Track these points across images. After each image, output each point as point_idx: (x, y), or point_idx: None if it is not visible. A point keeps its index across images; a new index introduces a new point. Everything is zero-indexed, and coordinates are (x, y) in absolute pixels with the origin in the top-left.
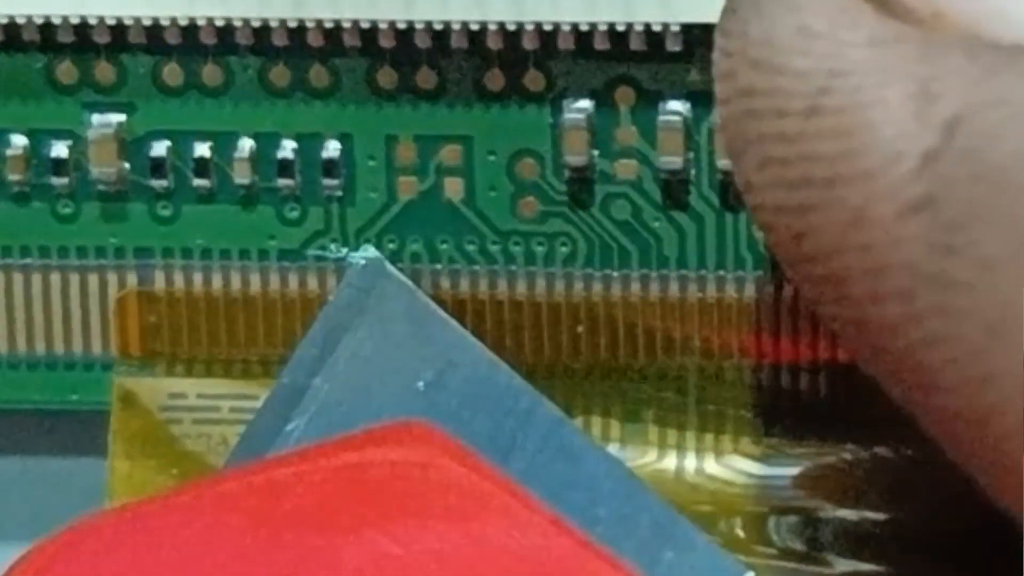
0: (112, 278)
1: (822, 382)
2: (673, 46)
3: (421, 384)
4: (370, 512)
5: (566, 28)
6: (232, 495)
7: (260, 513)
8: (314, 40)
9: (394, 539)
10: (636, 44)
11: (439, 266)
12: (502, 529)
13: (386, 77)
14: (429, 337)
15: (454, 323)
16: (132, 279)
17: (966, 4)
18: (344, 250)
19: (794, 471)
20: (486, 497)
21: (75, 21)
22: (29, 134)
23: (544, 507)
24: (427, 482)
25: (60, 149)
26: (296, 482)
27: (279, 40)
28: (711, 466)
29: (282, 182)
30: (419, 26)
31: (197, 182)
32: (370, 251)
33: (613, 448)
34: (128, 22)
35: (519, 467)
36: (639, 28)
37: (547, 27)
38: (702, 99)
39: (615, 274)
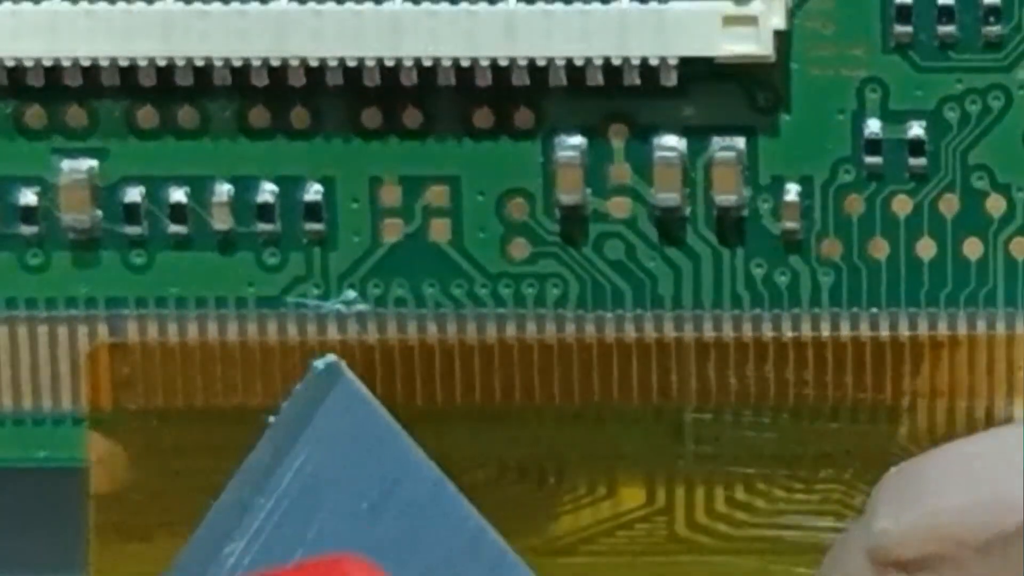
0: (83, 329)
1: (825, 424)
2: (668, 80)
3: (365, 505)
4: None
5: (559, 63)
6: None
7: None
8: (295, 79)
9: None
10: (630, 79)
11: (425, 311)
12: None
13: (370, 116)
14: (377, 451)
15: (405, 437)
16: (104, 330)
17: None
18: (327, 301)
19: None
20: None
21: (47, 63)
22: None
23: None
24: None
25: (28, 196)
26: None
27: (258, 79)
28: (702, 517)
29: (261, 227)
30: (407, 63)
31: (173, 228)
32: (351, 296)
33: (602, 492)
34: (103, 63)
35: None
36: (634, 62)
37: (540, 62)
38: (698, 134)
39: (609, 315)
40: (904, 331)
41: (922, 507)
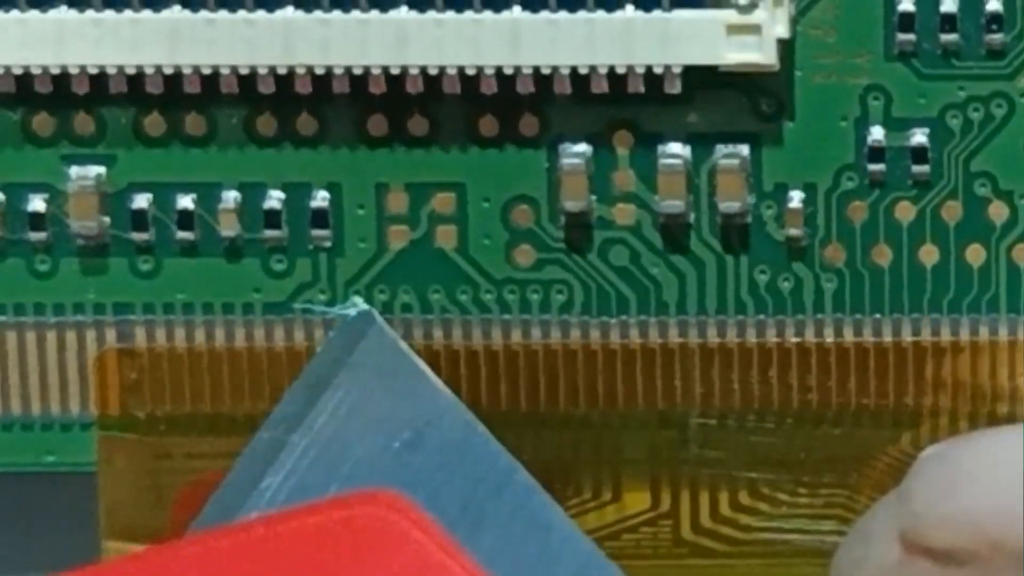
0: (91, 335)
1: (829, 430)
2: (672, 88)
3: (397, 444)
4: None
5: (564, 71)
6: (195, 559)
7: None
8: (301, 87)
9: None
10: (634, 86)
11: (431, 316)
12: None
13: (376, 124)
14: (410, 394)
15: (437, 380)
16: (112, 336)
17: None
18: (332, 307)
19: (793, 524)
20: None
21: (55, 71)
22: (5, 188)
23: None
24: (386, 553)
25: (37, 203)
26: (256, 549)
27: (265, 87)
28: (707, 520)
29: (269, 233)
30: (412, 71)
31: (180, 235)
32: (357, 302)
33: (607, 496)
34: (110, 71)
35: (488, 538)
36: (639, 70)
37: (545, 71)
38: (702, 141)
39: (613, 321)
40: (907, 337)
41: (959, 499)
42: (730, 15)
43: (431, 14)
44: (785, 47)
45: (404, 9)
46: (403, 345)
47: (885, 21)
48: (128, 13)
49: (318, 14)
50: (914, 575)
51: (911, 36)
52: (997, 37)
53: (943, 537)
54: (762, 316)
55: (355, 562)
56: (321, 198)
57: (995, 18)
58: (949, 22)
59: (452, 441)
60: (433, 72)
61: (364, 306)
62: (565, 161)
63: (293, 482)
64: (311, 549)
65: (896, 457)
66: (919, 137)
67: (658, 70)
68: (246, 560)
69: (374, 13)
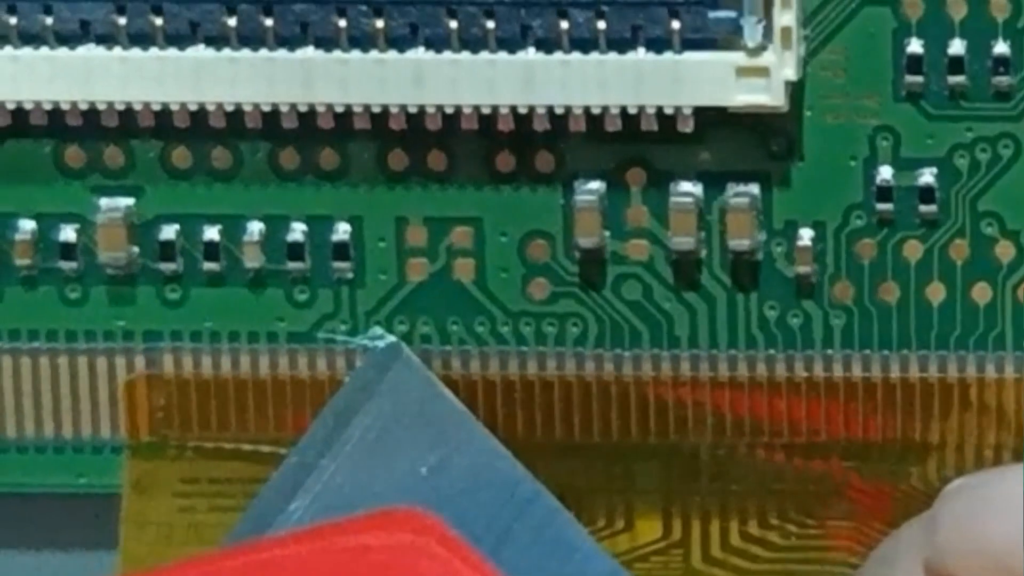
0: (120, 361)
1: (837, 463)
2: (684, 127)
3: (424, 469)
4: None
5: (577, 111)
6: (227, 574)
7: None
8: (324, 123)
9: None
10: (647, 125)
11: (449, 347)
12: None
13: (396, 159)
14: (437, 422)
15: (463, 408)
16: (141, 362)
17: None
18: (354, 337)
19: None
20: None
21: (83, 107)
22: (37, 218)
23: None
24: (416, 572)
25: (68, 233)
26: (292, 564)
27: (288, 123)
28: (716, 551)
29: (292, 265)
30: (430, 109)
31: (206, 265)
32: (378, 332)
33: (620, 525)
34: (137, 107)
35: (512, 557)
36: (650, 110)
37: (558, 110)
38: (713, 180)
39: (626, 354)
40: (915, 373)
41: (984, 531)
42: (739, 57)
43: (447, 54)
44: (795, 88)
45: (421, 49)
46: (430, 374)
47: (894, 63)
48: (154, 51)
49: (338, 53)
50: None
51: (919, 78)
52: (1004, 79)
53: (968, 568)
54: (772, 351)
55: None
56: (343, 231)
57: (1002, 60)
58: (957, 64)
59: (477, 466)
60: (450, 111)
61: (391, 337)
62: (580, 198)
63: (321, 504)
64: (340, 567)
65: (904, 491)
66: (927, 177)
67: (669, 111)
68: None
69: (392, 52)
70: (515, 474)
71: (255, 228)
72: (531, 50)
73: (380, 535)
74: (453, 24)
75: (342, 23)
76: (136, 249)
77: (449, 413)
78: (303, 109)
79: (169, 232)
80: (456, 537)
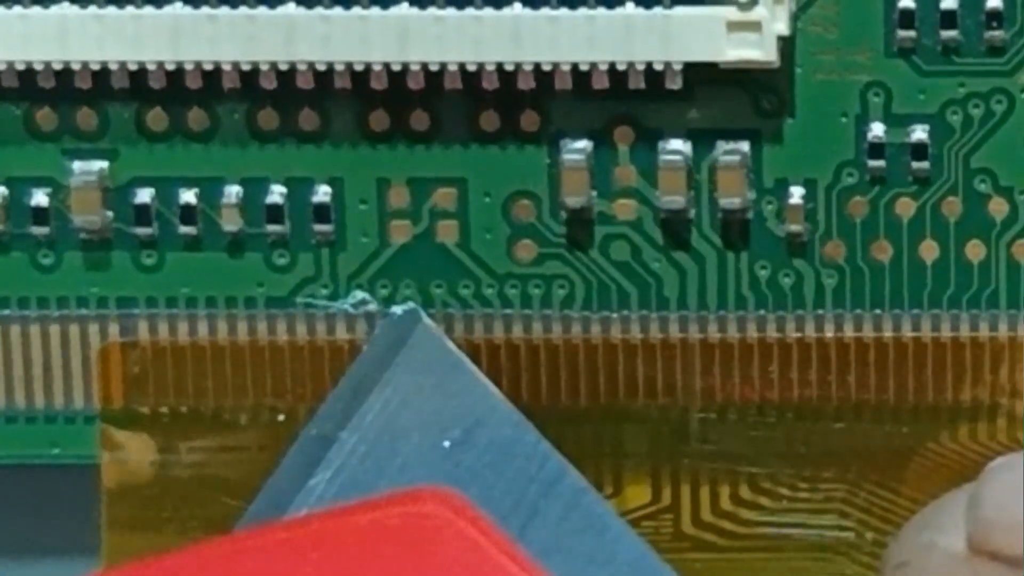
0: (94, 328)
1: (828, 424)
2: (672, 84)
3: (447, 443)
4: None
5: (565, 68)
6: (248, 553)
7: (276, 573)
8: (304, 83)
9: None
10: (635, 83)
11: (433, 311)
12: None
13: (378, 119)
14: (459, 393)
15: (485, 379)
16: (115, 329)
17: None
18: (334, 302)
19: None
20: (498, 570)
21: (57, 67)
22: (8, 183)
23: None
24: (441, 550)
25: (40, 197)
26: (314, 544)
27: (267, 83)
28: (707, 515)
29: (271, 228)
30: (413, 67)
31: (183, 229)
32: (359, 296)
33: (609, 490)
34: (113, 67)
35: (540, 536)
36: (639, 67)
37: (545, 67)
38: (703, 137)
39: (614, 316)
40: (907, 333)
41: None
42: (730, 12)
43: (432, 11)
44: (785, 44)
45: (405, 6)
46: (450, 344)
47: (885, 18)
48: (130, 9)
49: (319, 10)
50: (979, 572)
51: (911, 33)
52: (997, 34)
53: (1009, 543)
54: (763, 312)
55: (410, 560)
56: (323, 193)
57: (995, 15)
58: (949, 18)
59: (502, 440)
60: (434, 68)
61: (410, 304)
62: (566, 157)
63: (342, 479)
64: (366, 546)
65: (897, 451)
66: (919, 133)
67: (658, 67)
68: (300, 555)
69: (375, 10)
70: (541, 449)
71: (233, 191)
72: (518, 6)
73: (404, 515)
74: None
75: None
76: (110, 213)
77: (471, 384)
78: (283, 68)
79: (144, 196)
80: (482, 517)
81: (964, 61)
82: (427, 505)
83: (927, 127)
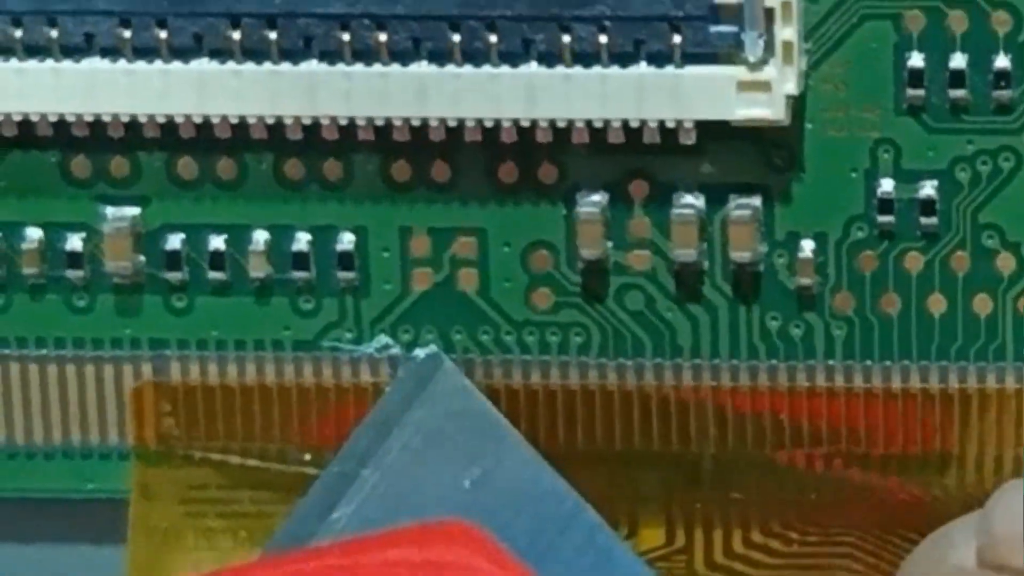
0: (127, 369)
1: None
2: (686, 140)
3: (467, 482)
4: None
5: (579, 124)
6: None
7: None
8: (328, 134)
9: None
10: (649, 138)
11: (453, 356)
12: None
13: (400, 170)
14: (478, 434)
15: (504, 421)
16: (148, 370)
17: None
18: (359, 346)
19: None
20: None
21: (89, 119)
22: (44, 227)
23: None
24: None
25: (75, 242)
26: (335, 574)
27: (293, 134)
28: (720, 557)
29: (297, 274)
30: (433, 122)
31: (212, 275)
32: (383, 341)
33: (622, 533)
34: (142, 119)
35: (557, 572)
36: (652, 124)
37: (560, 123)
38: (716, 191)
39: (629, 363)
40: (916, 383)
41: None
42: (740, 72)
43: (450, 68)
44: (796, 102)
45: (424, 63)
46: (470, 385)
47: (895, 76)
48: (159, 64)
49: (341, 66)
50: None
51: (920, 91)
52: (1005, 93)
53: (1017, 558)
54: (774, 361)
55: None
56: (347, 241)
57: (1003, 74)
58: (958, 78)
59: (520, 480)
60: (453, 123)
61: (432, 347)
62: (582, 209)
63: (364, 515)
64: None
65: (904, 500)
66: (928, 189)
67: (671, 124)
68: None
69: (395, 66)
70: (558, 488)
71: (260, 238)
72: (533, 64)
73: (426, 547)
74: (456, 38)
75: (346, 37)
76: (142, 258)
77: (491, 425)
78: (307, 121)
79: (175, 241)
80: (502, 550)
81: (972, 119)
82: (449, 538)
83: (936, 183)
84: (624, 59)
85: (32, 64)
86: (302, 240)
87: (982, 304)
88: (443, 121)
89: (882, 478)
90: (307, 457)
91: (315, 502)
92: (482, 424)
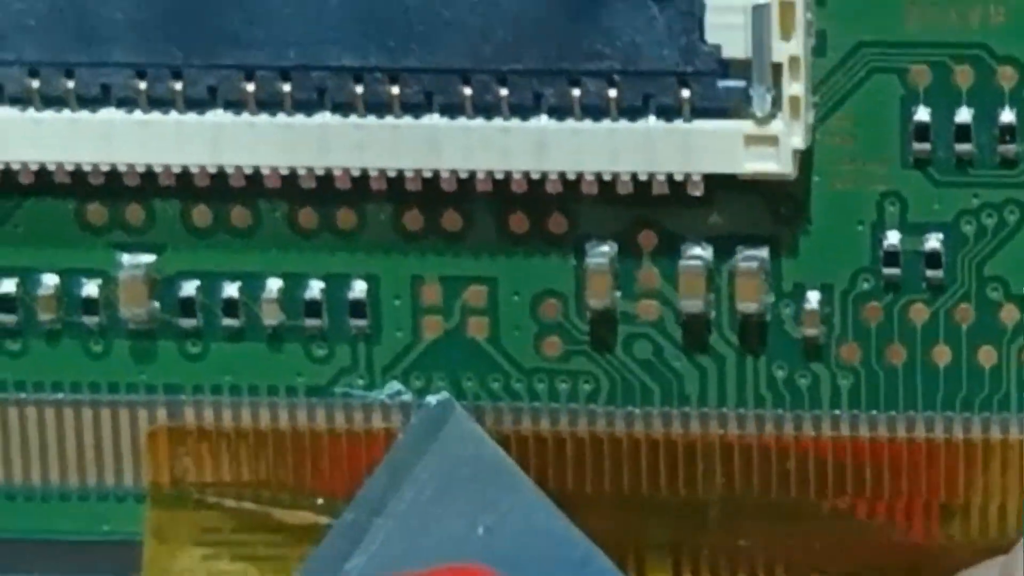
0: (142, 413)
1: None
2: (695, 191)
3: (481, 529)
4: None
5: (589, 176)
6: None
7: None
8: (341, 184)
9: None
10: (658, 189)
11: (464, 403)
12: None
13: (412, 219)
14: (491, 481)
15: (516, 468)
16: (162, 414)
17: None
18: (371, 392)
19: None
20: None
21: (105, 168)
22: (61, 274)
23: None
24: None
25: (91, 289)
26: None
27: (306, 184)
28: None
29: (309, 322)
30: (444, 173)
31: (226, 321)
32: (395, 387)
33: None
34: (158, 168)
35: None
36: (661, 177)
37: (570, 176)
38: (723, 243)
39: (637, 411)
40: (920, 434)
41: None
42: (748, 126)
43: (462, 120)
44: (803, 155)
45: (436, 115)
46: (482, 432)
47: (901, 130)
48: (174, 115)
49: (354, 118)
50: None
51: (927, 145)
52: (1011, 147)
53: None
54: (780, 411)
55: None
56: (359, 289)
57: (1008, 129)
58: (963, 132)
59: (532, 526)
60: (464, 175)
61: (444, 394)
62: (591, 259)
63: (378, 563)
64: None
65: (909, 550)
66: (933, 242)
67: (679, 177)
68: None
69: (407, 119)
70: (570, 534)
71: (274, 285)
72: (543, 117)
73: None
74: (467, 91)
75: (358, 89)
76: (157, 304)
77: (503, 471)
78: (320, 172)
79: (189, 288)
80: None
81: (978, 173)
82: None
83: (941, 236)
84: (633, 113)
85: (49, 114)
86: (315, 288)
87: (987, 355)
88: (455, 172)
89: (888, 526)
90: (320, 502)
91: (329, 552)
92: (494, 470)
